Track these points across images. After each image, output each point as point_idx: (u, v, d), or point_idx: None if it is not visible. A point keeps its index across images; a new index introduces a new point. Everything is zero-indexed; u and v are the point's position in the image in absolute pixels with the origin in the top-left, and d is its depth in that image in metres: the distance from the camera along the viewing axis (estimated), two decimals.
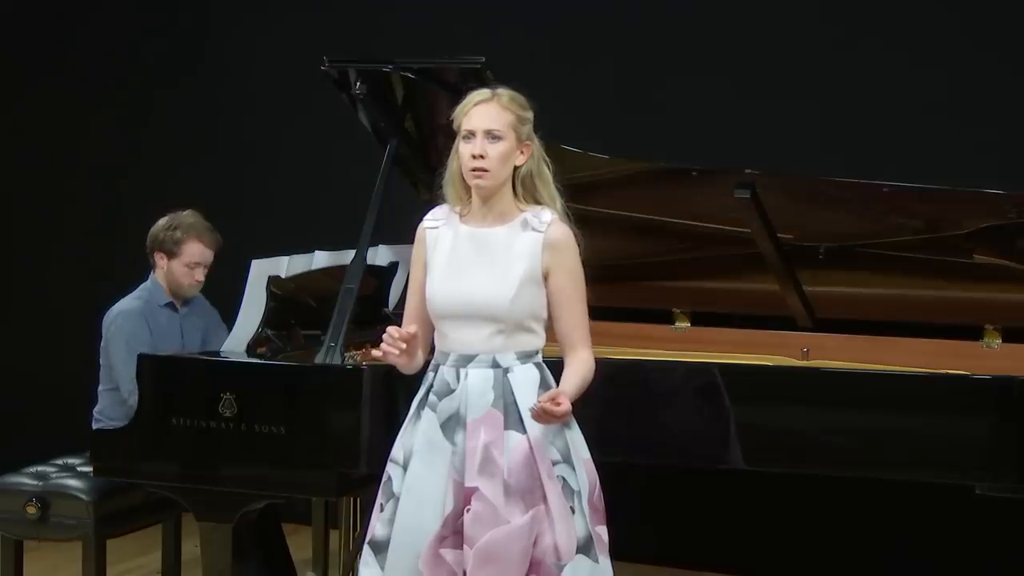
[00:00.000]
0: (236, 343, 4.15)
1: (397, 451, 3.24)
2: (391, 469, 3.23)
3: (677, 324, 4.58)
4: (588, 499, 3.17)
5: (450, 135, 3.24)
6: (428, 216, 3.31)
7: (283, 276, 4.24)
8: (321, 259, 4.42)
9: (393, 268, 4.75)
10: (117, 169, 6.31)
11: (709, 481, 5.01)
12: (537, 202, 3.22)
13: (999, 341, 4.22)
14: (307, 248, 4.44)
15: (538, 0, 5.54)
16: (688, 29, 5.33)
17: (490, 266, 3.17)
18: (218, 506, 3.91)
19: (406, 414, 3.27)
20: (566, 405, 3.06)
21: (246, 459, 3.85)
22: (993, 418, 3.65)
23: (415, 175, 4.54)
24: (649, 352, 4.31)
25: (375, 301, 4.65)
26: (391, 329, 3.14)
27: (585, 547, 3.13)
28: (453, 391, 3.16)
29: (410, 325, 3.21)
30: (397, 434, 3.27)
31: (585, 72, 5.38)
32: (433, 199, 4.57)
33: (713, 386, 3.79)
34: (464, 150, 3.17)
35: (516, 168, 3.19)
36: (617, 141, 4.56)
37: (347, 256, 4.23)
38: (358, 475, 3.87)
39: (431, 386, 3.20)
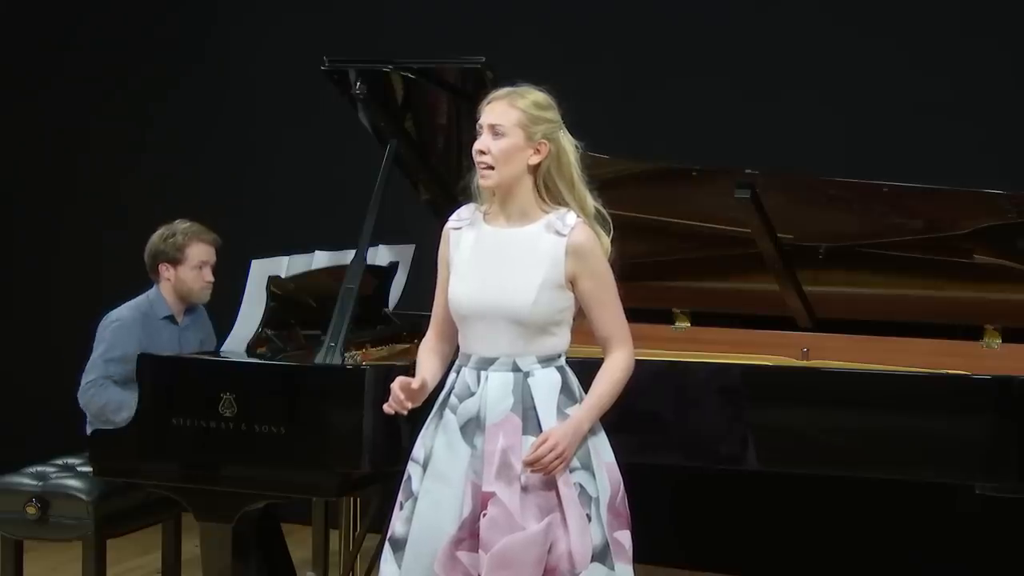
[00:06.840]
0: (236, 343, 4.15)
1: (418, 450, 3.21)
2: (411, 468, 3.21)
3: (677, 324, 4.58)
4: (608, 504, 3.13)
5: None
6: (453, 216, 3.27)
7: (283, 276, 4.23)
8: (321, 259, 4.42)
9: (393, 268, 4.75)
10: (117, 169, 6.30)
11: (708, 481, 5.01)
12: (562, 204, 3.17)
13: (999, 341, 4.22)
14: (307, 248, 4.44)
15: None
16: (688, 29, 5.33)
17: (511, 267, 3.13)
18: (218, 506, 3.91)
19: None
20: (551, 442, 3.03)
21: (246, 459, 3.85)
22: (993, 418, 3.65)
23: (415, 175, 4.54)
24: (649, 352, 4.30)
25: (375, 301, 4.66)
26: (396, 386, 3.11)
27: (601, 555, 3.09)
28: (473, 394, 3.13)
29: (414, 379, 3.15)
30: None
31: (585, 71, 5.37)
32: (433, 199, 4.60)
33: (713, 386, 3.79)
34: (474, 145, 3.16)
35: (536, 168, 3.14)
36: (617, 141, 4.55)
37: (347, 256, 4.23)
38: (358, 475, 3.87)
39: (452, 387, 3.18)
